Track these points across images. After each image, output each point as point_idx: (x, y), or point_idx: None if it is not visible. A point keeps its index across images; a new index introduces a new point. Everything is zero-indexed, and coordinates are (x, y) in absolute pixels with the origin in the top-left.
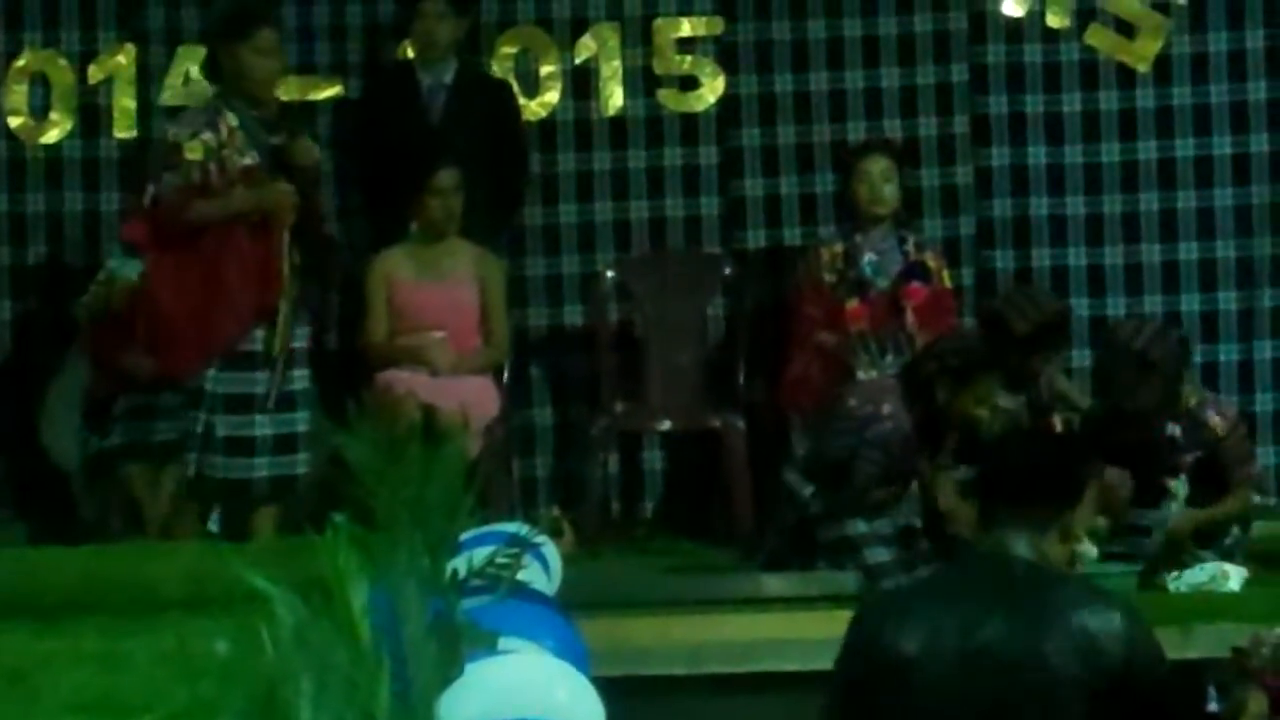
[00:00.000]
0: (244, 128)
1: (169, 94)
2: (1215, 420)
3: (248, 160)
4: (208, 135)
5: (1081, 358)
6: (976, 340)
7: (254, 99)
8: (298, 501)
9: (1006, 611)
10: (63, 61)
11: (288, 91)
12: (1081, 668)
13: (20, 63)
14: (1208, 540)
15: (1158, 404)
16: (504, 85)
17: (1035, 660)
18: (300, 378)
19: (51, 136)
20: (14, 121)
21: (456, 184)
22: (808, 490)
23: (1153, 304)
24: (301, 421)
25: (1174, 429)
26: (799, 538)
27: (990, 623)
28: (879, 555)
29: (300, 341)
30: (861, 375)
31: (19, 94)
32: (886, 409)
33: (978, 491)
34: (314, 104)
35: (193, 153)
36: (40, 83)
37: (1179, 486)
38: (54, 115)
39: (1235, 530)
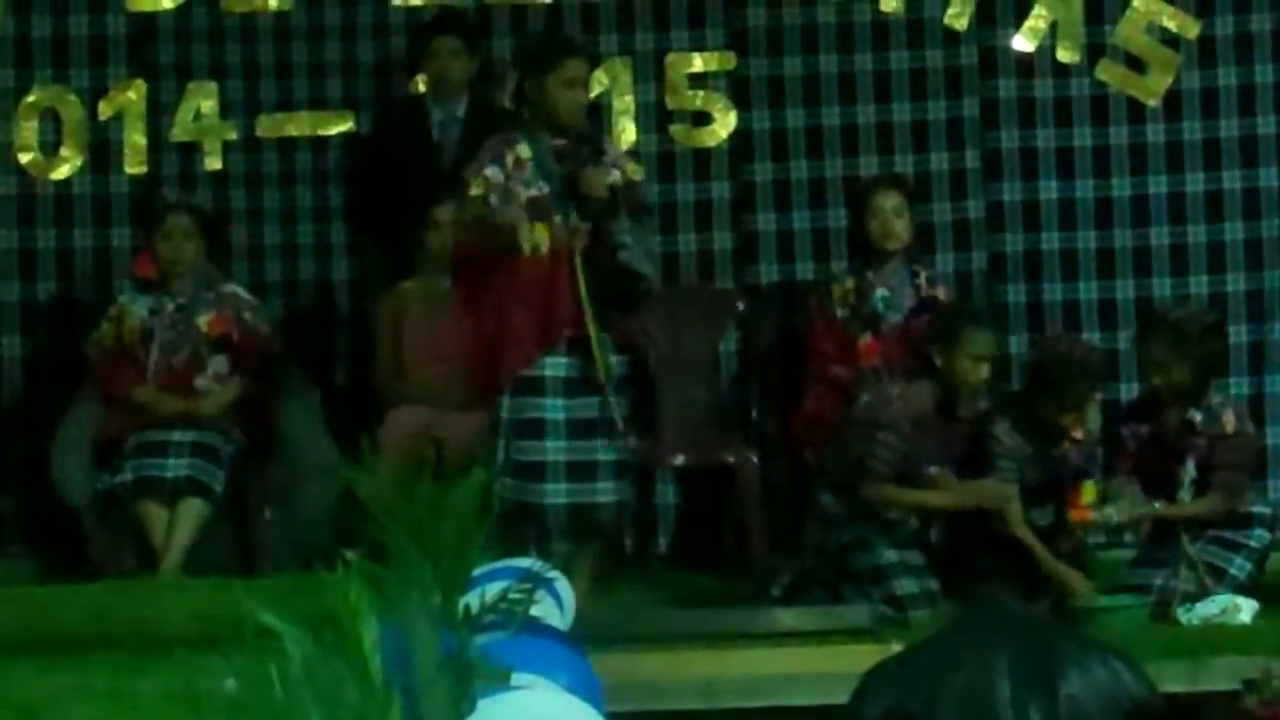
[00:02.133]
0: (535, 158)
1: (179, 130)
2: (1228, 418)
3: (534, 191)
4: (491, 171)
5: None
6: (961, 302)
7: (559, 129)
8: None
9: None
10: (73, 97)
11: (299, 126)
12: None
13: (30, 98)
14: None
15: (1188, 384)
16: (515, 117)
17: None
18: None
19: (62, 172)
20: (24, 157)
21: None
22: (841, 512)
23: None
24: (600, 450)
25: (1195, 414)
26: (827, 562)
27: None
28: (907, 586)
29: (620, 370)
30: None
31: (29, 130)
32: (895, 392)
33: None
34: (325, 139)
35: (477, 188)
36: (51, 118)
37: (1188, 472)
38: (64, 151)
39: (1244, 562)
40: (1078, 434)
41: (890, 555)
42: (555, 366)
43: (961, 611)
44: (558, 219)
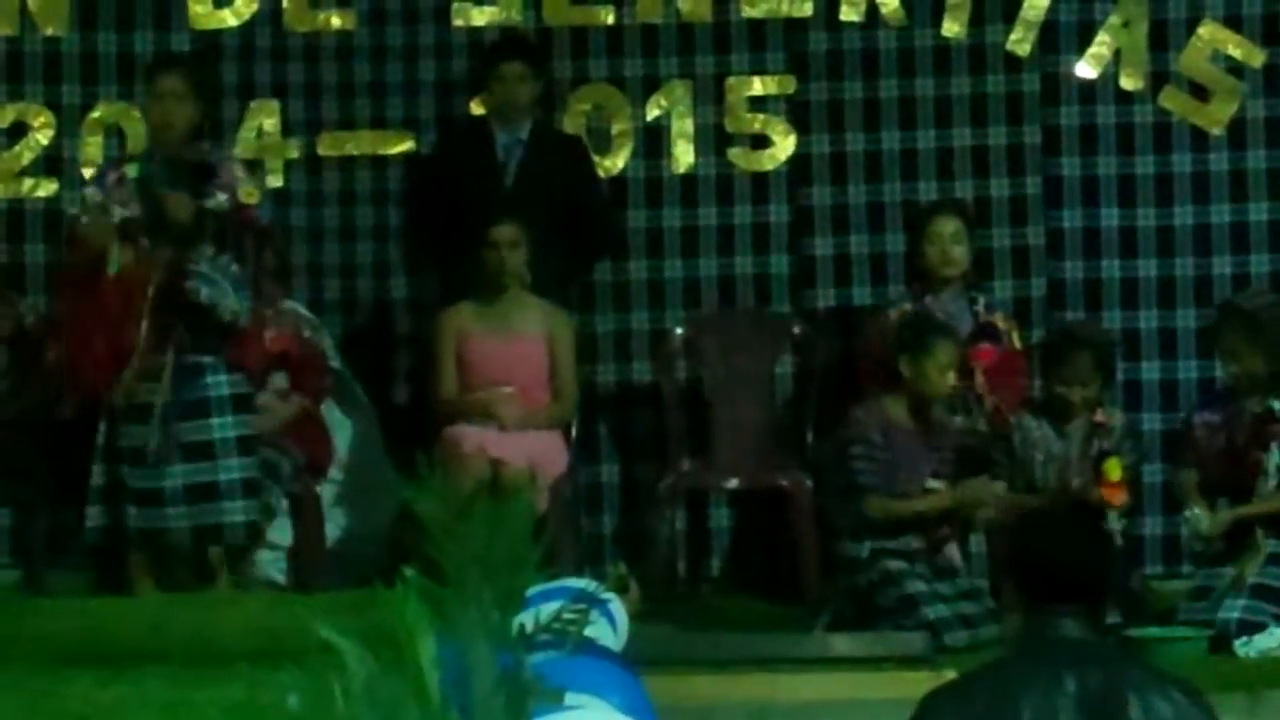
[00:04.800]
0: (141, 179)
1: (241, 147)
2: None
3: (126, 213)
4: (90, 190)
5: (1153, 421)
6: (927, 311)
7: (167, 148)
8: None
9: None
10: (137, 113)
11: (360, 145)
12: None
13: (95, 114)
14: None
15: (1263, 372)
16: (578, 141)
17: None
18: (220, 425)
19: None
20: (89, 173)
21: (515, 238)
22: (864, 551)
23: (1225, 368)
24: (223, 470)
25: (1275, 403)
26: (858, 603)
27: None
28: (940, 612)
29: (201, 393)
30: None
31: (94, 145)
32: (859, 413)
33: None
34: (386, 158)
35: (75, 205)
36: (115, 134)
37: (1273, 457)
38: (128, 167)
39: None
40: (1099, 418)
41: (918, 585)
42: (151, 392)
43: (1026, 638)
44: (144, 242)
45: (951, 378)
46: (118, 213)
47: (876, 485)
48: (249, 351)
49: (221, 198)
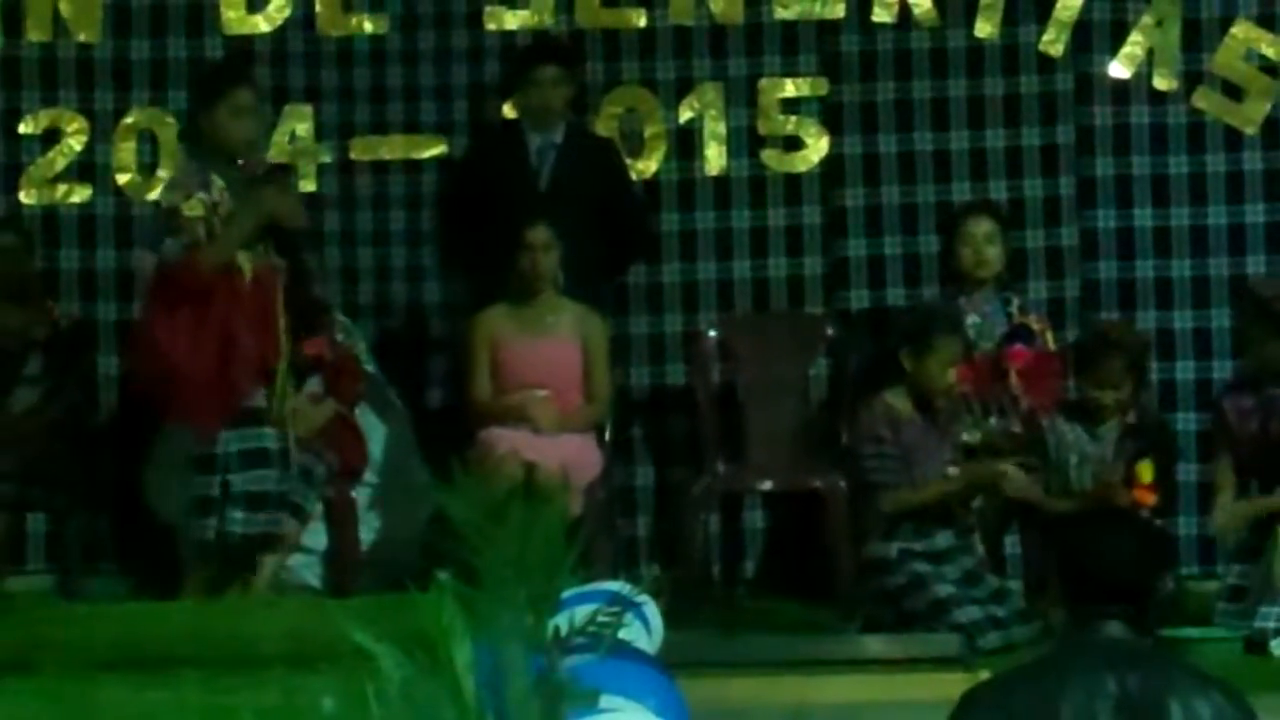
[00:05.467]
0: (230, 189)
1: (275, 152)
2: None
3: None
4: (203, 195)
5: (1187, 421)
6: (933, 305)
7: (233, 159)
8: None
9: (1113, 706)
10: (170, 119)
11: (393, 150)
12: None
13: (129, 120)
14: None
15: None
16: (611, 143)
17: None
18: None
19: (159, 193)
20: (122, 178)
21: (547, 241)
22: (892, 551)
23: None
24: (270, 480)
25: None
26: (888, 606)
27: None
28: (971, 614)
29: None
30: (965, 438)
31: (127, 151)
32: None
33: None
34: (419, 162)
35: (192, 210)
36: (148, 139)
37: None
38: (162, 172)
39: None
40: (1133, 419)
41: (947, 588)
42: (259, 397)
43: (1069, 638)
44: (259, 247)
45: (953, 374)
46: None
47: (892, 481)
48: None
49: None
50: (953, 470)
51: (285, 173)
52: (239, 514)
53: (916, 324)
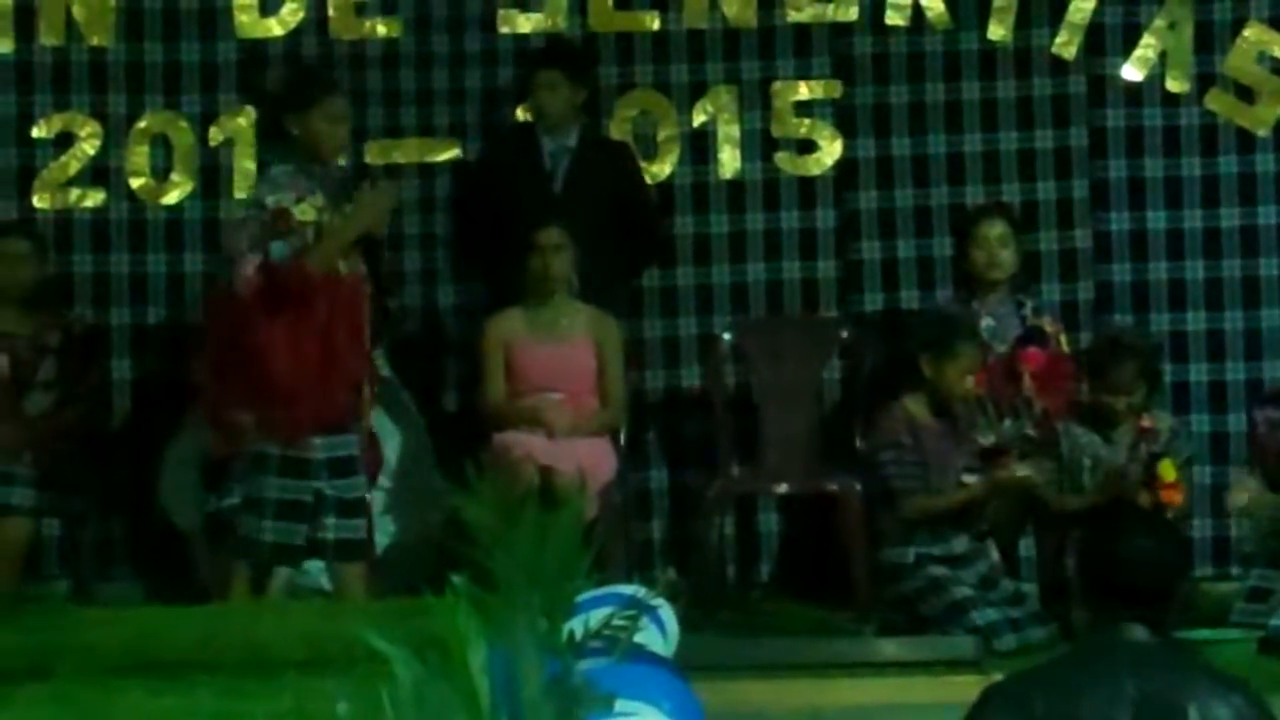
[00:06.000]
0: (324, 191)
1: None
2: None
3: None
4: (311, 199)
5: (1201, 423)
6: (952, 310)
7: (324, 163)
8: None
9: (1131, 708)
10: (184, 123)
11: (406, 153)
12: None
13: (142, 124)
14: None
15: None
16: (625, 147)
17: None
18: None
19: (172, 197)
20: (135, 182)
21: (559, 242)
22: (909, 556)
23: (1272, 369)
24: (360, 487)
25: None
26: (905, 611)
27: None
28: (988, 616)
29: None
30: (980, 440)
31: (140, 155)
32: (908, 402)
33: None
34: (432, 166)
35: (304, 214)
36: (161, 144)
37: None
38: (175, 176)
39: None
40: (1145, 423)
41: (964, 590)
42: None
43: (1089, 639)
44: (352, 255)
45: (971, 380)
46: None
47: (912, 488)
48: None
49: None
50: (969, 477)
51: (374, 178)
52: (334, 520)
53: (937, 330)
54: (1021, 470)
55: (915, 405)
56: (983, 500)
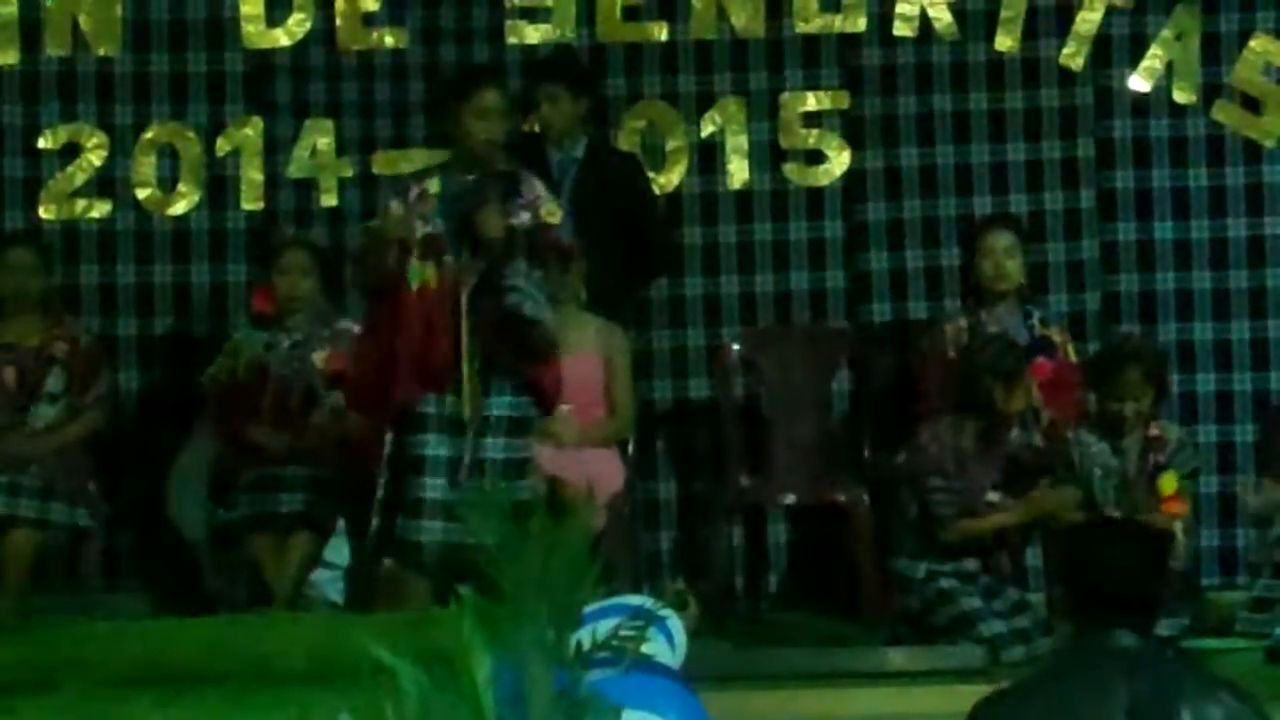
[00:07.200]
0: (444, 194)
1: (295, 166)
2: None
3: (429, 228)
4: (393, 203)
5: (1208, 433)
6: (1011, 338)
7: (473, 162)
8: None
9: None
10: (190, 133)
11: (413, 164)
12: None
13: (148, 134)
14: None
15: None
16: (633, 158)
17: None
18: (493, 446)
19: (179, 208)
20: (142, 193)
21: None
22: (920, 571)
23: (1279, 379)
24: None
25: None
26: (913, 624)
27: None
28: (995, 628)
29: (498, 410)
30: None
31: (147, 165)
32: (927, 438)
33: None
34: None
35: (377, 219)
36: (168, 154)
37: None
38: (181, 187)
39: None
40: (1154, 432)
41: (973, 602)
42: (439, 404)
43: (1078, 647)
44: (448, 258)
45: (1036, 404)
46: (419, 228)
47: (952, 515)
48: (550, 374)
49: (525, 216)
50: (994, 495)
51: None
52: (425, 522)
53: (1011, 359)
54: (1054, 496)
55: (958, 427)
56: (1019, 526)
